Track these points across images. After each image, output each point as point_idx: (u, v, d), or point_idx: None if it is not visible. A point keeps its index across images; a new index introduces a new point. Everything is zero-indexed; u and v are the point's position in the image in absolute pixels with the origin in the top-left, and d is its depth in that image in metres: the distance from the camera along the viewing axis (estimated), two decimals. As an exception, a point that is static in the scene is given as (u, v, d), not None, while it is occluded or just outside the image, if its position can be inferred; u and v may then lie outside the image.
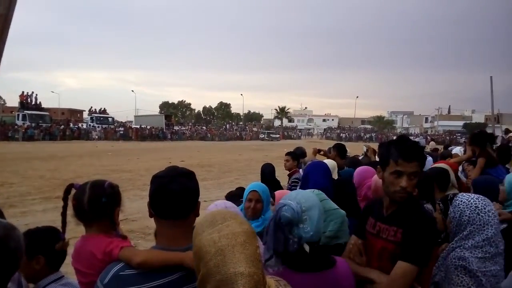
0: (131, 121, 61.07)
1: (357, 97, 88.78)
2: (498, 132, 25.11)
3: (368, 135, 68.27)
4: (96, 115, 49.69)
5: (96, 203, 1.67)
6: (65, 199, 1.74)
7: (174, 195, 1.43)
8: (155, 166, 18.36)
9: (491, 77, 13.16)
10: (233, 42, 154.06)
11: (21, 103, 42.76)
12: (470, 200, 1.95)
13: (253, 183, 2.88)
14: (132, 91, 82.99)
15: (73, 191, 1.76)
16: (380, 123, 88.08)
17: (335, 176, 3.58)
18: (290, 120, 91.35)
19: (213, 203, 2.19)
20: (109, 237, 1.66)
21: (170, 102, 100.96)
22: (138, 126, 50.33)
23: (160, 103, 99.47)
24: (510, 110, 71.03)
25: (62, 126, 42.23)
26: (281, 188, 4.51)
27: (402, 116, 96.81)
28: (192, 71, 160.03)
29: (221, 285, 1.07)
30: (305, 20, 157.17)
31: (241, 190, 4.92)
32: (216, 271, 1.09)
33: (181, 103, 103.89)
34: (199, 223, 1.23)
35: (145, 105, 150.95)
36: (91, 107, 53.00)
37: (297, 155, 5.27)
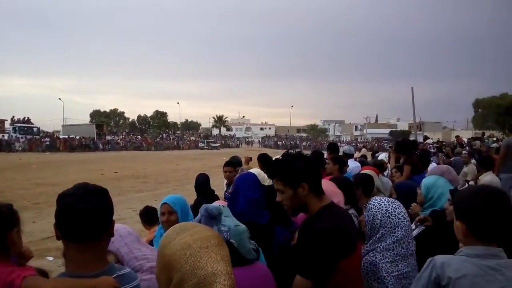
0: (59, 131, 57.30)
1: (292, 106, 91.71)
2: (421, 139, 27.31)
3: (304, 143, 70.50)
4: (19, 125, 45.86)
5: None
6: None
7: (83, 215, 1.30)
8: (86, 179, 17.20)
9: (412, 88, 14.33)
10: (170, 49, 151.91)
11: None
12: (381, 204, 2.05)
13: (167, 196, 2.85)
14: (59, 99, 77.65)
15: None
16: (314, 131, 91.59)
17: (266, 183, 3.67)
18: (228, 129, 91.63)
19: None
20: (8, 265, 1.49)
21: (102, 110, 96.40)
22: (66, 136, 47.37)
23: (91, 111, 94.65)
24: (431, 118, 77.73)
25: (-20, 137, 38.58)
26: (216, 198, 4.51)
27: (334, 124, 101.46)
28: (126, 78, 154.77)
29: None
30: (243, 29, 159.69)
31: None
32: (192, 273, 1.07)
33: (113, 111, 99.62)
34: (165, 236, 1.22)
35: (74, 114, 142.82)
36: (13, 116, 48.96)
37: (235, 164, 5.33)
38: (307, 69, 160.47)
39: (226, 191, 4.90)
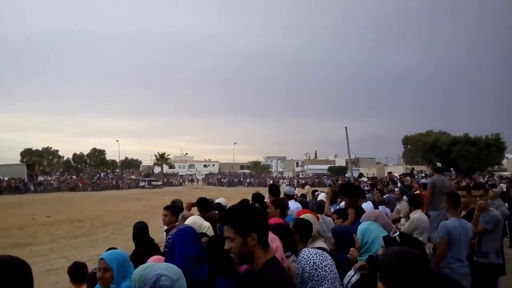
0: (-16, 172, 52.62)
1: (235, 143, 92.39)
2: (356, 174, 28.71)
3: (248, 180, 70.77)
4: None
5: None
6: None
7: None
8: (15, 225, 16.12)
9: (345, 127, 15.23)
10: (108, 85, 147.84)
11: None
12: (309, 256, 2.15)
13: (105, 251, 2.80)
14: (-14, 137, 71.89)
15: None
16: (258, 168, 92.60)
17: (210, 232, 3.70)
18: (171, 167, 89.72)
19: None
20: None
21: (33, 149, 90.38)
22: (-8, 178, 43.60)
23: (22, 150, 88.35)
24: (365, 154, 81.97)
25: None
26: (156, 248, 4.40)
27: (277, 161, 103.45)
28: (60, 115, 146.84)
29: None
30: (184, 65, 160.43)
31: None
32: None
33: (47, 150, 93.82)
34: None
35: (3, 152, 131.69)
36: None
37: (175, 209, 5.25)
38: (250, 107, 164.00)
39: (166, 239, 4.70)
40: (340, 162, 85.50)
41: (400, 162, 72.87)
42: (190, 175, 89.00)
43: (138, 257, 3.91)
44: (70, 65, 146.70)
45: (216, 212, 5.85)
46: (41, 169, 63.80)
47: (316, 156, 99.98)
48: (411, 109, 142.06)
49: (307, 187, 19.49)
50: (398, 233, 2.72)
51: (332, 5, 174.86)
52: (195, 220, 3.75)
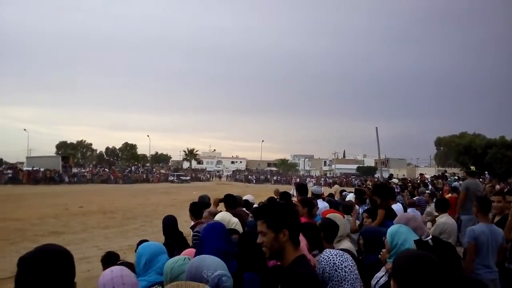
0: (23, 163, 55.09)
1: (263, 140, 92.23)
2: (386, 175, 28.16)
3: (275, 178, 70.75)
4: (-22, 155, 43.98)
5: None
6: None
7: (41, 279, 1.29)
8: (50, 214, 16.80)
9: (376, 127, 14.96)
10: (140, 82, 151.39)
11: None
12: (330, 257, 2.13)
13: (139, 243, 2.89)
14: (25, 129, 75.25)
15: None
16: (285, 165, 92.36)
17: (239, 228, 3.73)
18: (199, 162, 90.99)
19: (108, 269, 2.04)
20: None
21: (68, 142, 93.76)
22: (30, 168, 45.59)
23: (57, 143, 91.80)
24: (396, 155, 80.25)
25: None
26: (185, 241, 4.50)
27: (304, 159, 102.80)
28: (94, 109, 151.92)
29: None
30: (217, 65, 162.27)
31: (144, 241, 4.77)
32: None
33: (80, 143, 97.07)
34: None
35: (40, 145, 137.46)
36: (-27, 146, 46.89)
37: (196, 210, 5.15)
38: (279, 105, 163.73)
39: (192, 235, 4.73)
40: (369, 162, 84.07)
41: (432, 164, 70.88)
42: (218, 171, 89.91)
43: (168, 250, 4.02)
44: (106, 61, 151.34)
45: (243, 209, 5.90)
46: (75, 162, 66.02)
47: (344, 156, 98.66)
48: (445, 110, 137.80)
49: (336, 186, 19.31)
50: (430, 236, 2.67)
51: (360, 5, 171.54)
52: (223, 216, 3.79)
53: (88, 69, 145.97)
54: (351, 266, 2.15)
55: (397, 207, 6.50)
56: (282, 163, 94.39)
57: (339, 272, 2.08)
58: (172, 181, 59.55)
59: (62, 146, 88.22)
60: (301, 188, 6.05)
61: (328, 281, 2.08)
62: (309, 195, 6.18)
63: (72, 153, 74.90)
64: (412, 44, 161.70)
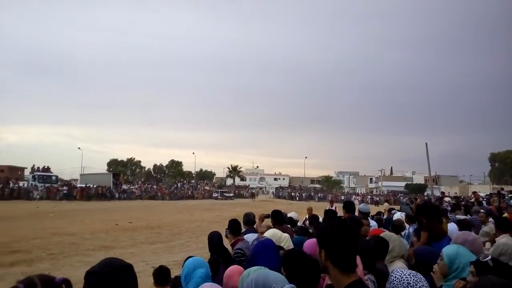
0: (76, 180, 58.17)
1: (306, 157, 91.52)
2: (437, 193, 26.86)
3: (319, 195, 69.65)
4: (38, 173, 46.92)
5: None
6: None
7: None
8: (101, 229, 17.52)
9: (426, 143, 14.37)
10: (185, 100, 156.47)
11: (-46, 159, 39.72)
12: (402, 277, 2.06)
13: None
14: (79, 148, 79.65)
15: None
16: (329, 182, 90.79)
17: (287, 245, 3.69)
18: (242, 179, 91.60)
19: (201, 286, 2.17)
20: None
21: (118, 159, 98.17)
22: (83, 185, 48.01)
23: (108, 160, 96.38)
24: (447, 172, 76.51)
25: (1, 185, 39.39)
26: (229, 256, 4.51)
27: (349, 176, 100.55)
28: (142, 128, 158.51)
29: None
30: (259, 80, 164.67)
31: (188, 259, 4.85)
32: None
33: (130, 160, 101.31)
34: None
35: (92, 162, 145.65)
36: (34, 165, 50.21)
37: (235, 227, 5.10)
38: (322, 121, 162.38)
39: (233, 253, 4.71)
40: (418, 179, 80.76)
41: (486, 181, 66.81)
42: (260, 188, 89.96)
43: (214, 266, 4.05)
44: (153, 81, 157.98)
45: (289, 226, 5.84)
46: (125, 178, 68.80)
47: (391, 172, 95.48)
48: (498, 124, 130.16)
49: (385, 204, 18.69)
50: (490, 257, 2.51)
51: (404, 15, 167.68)
52: (274, 232, 3.76)
53: (137, 89, 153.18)
54: (426, 287, 2.05)
55: (451, 226, 6.21)
56: (326, 180, 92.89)
57: None
58: (216, 198, 60.33)
59: (113, 164, 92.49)
60: (348, 205, 5.90)
61: None
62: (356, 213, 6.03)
63: (122, 170, 78.30)
64: (463, 57, 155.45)
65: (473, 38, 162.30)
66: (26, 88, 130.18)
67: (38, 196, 40.64)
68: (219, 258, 4.30)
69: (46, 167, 49.99)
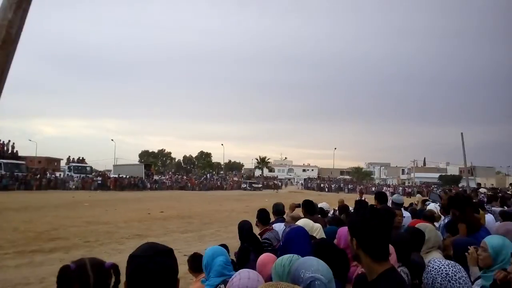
0: (110, 170, 60.06)
1: (335, 148, 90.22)
2: (473, 185, 25.91)
3: (349, 186, 68.79)
4: (74, 164, 48.75)
5: (103, 286, 1.59)
6: (62, 285, 1.55)
7: (154, 275, 1.37)
8: (134, 218, 17.97)
9: (461, 133, 13.77)
10: (213, 92, 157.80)
11: (-3, 151, 41.77)
12: (441, 267, 1.99)
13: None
14: (112, 140, 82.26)
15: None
16: (359, 174, 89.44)
17: (319, 235, 3.64)
18: (271, 170, 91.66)
19: (236, 273, 2.16)
20: None
21: (150, 151, 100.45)
22: (116, 176, 49.49)
23: (140, 152, 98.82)
24: (483, 163, 73.66)
25: (38, 176, 41.18)
26: (260, 244, 4.51)
27: (380, 167, 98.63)
28: (173, 120, 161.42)
29: None
30: (287, 73, 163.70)
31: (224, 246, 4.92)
32: None
33: (161, 152, 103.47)
34: None
35: (125, 154, 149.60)
36: (69, 156, 52.16)
37: (264, 217, 5.12)
38: (351, 111, 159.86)
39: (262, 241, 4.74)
40: (453, 170, 78.22)
41: (527, 172, 63.90)
42: (289, 179, 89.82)
43: (244, 254, 4.06)
44: (183, 75, 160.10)
45: (319, 216, 5.76)
46: (156, 169, 70.39)
47: (424, 164, 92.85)
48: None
49: (418, 195, 18.25)
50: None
51: (442, 6, 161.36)
52: (306, 222, 3.71)
53: (167, 83, 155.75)
54: (465, 277, 1.98)
55: (488, 217, 6.02)
56: (356, 171, 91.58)
57: (453, 284, 1.92)
58: (244, 189, 60.75)
59: (145, 155, 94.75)
60: (380, 196, 5.76)
61: None
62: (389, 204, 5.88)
63: (153, 161, 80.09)
64: (499, 43, 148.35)
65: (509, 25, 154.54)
66: (63, 83, 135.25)
67: (73, 186, 42.30)
68: (250, 246, 4.31)
69: (81, 158, 51.83)
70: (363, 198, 12.66)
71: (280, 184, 65.99)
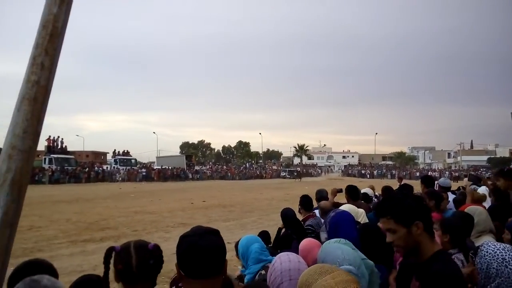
0: (153, 162, 62.03)
1: (376, 133, 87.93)
2: (526, 167, 24.44)
3: (393, 172, 67.00)
4: (119, 157, 50.75)
5: (145, 265, 1.69)
6: (107, 263, 1.71)
7: (206, 252, 1.41)
8: (178, 207, 18.50)
9: (511, 113, 13.00)
10: (250, 82, 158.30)
11: (47, 147, 44.09)
12: (496, 251, 1.88)
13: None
14: (154, 132, 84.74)
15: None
16: (402, 159, 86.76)
17: (363, 221, 3.58)
18: (310, 158, 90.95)
19: (276, 257, 2.16)
20: None
21: (190, 142, 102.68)
22: (160, 167, 51.05)
23: (181, 143, 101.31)
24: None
25: (87, 169, 43.24)
26: (304, 230, 4.51)
27: (424, 151, 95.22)
28: (211, 111, 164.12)
29: None
30: (324, 58, 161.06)
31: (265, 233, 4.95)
32: None
33: (201, 143, 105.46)
34: (307, 275, 1.36)
35: (166, 145, 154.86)
36: (115, 149, 54.32)
37: (307, 203, 5.12)
38: (390, 95, 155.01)
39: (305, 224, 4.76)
40: (502, 152, 74.26)
41: None
42: (328, 166, 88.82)
43: (288, 240, 4.07)
44: (219, 66, 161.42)
45: (363, 202, 5.66)
46: (196, 160, 71.86)
47: (472, 146, 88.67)
48: None
49: (465, 179, 17.38)
50: None
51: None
52: (351, 207, 3.66)
53: (204, 75, 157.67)
54: None
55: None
56: (399, 156, 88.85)
57: (510, 269, 1.80)
58: (283, 177, 60.72)
59: (185, 146, 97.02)
60: (427, 179, 5.55)
61: (496, 277, 1.82)
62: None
63: (194, 152, 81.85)
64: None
65: None
66: (105, 79, 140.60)
67: (120, 178, 44.10)
68: (293, 233, 4.32)
69: (126, 151, 53.82)
70: (402, 184, 12.32)
71: (298, 172, 63.24)
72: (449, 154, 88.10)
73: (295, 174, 60.85)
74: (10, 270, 1.45)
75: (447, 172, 59.61)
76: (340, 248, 1.87)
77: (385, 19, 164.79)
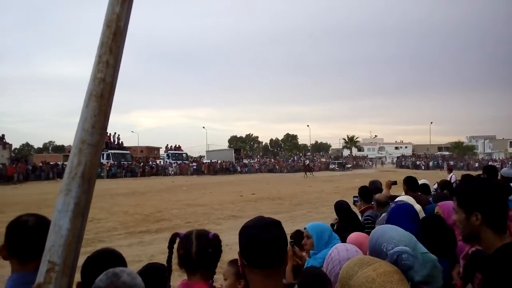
0: (203, 156, 63.61)
1: (431, 122, 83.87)
2: None
3: (450, 162, 63.76)
4: (171, 151, 52.61)
5: (204, 253, 1.77)
6: (170, 248, 1.82)
7: (268, 245, 1.44)
8: (228, 200, 18.85)
9: None
10: (297, 73, 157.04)
11: (105, 143, 46.63)
12: None
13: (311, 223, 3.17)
14: (203, 127, 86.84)
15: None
16: (460, 149, 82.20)
17: (422, 215, 3.44)
18: (360, 149, 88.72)
19: (333, 247, 2.18)
20: (209, 285, 1.78)
21: (238, 136, 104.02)
22: (209, 161, 52.26)
23: (229, 137, 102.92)
24: None
25: (142, 163, 45.20)
26: (359, 222, 4.42)
27: (483, 140, 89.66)
28: (258, 104, 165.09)
29: None
30: (371, 47, 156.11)
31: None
32: None
33: (248, 136, 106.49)
34: (348, 267, 1.35)
35: (215, 140, 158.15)
36: (167, 144, 56.26)
37: (366, 194, 5.03)
38: (447, 82, 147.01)
39: (362, 220, 4.68)
40: None
41: None
42: (380, 158, 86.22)
43: (342, 233, 4.01)
44: (266, 60, 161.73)
45: (420, 193, 5.44)
46: (245, 153, 72.72)
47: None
48: None
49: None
50: None
51: None
52: (410, 199, 3.54)
53: (251, 69, 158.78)
54: None
55: None
56: (457, 146, 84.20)
57: None
58: (333, 169, 59.83)
59: (233, 140, 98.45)
60: (489, 169, 5.22)
61: None
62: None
63: (242, 146, 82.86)
64: None
65: None
66: (157, 76, 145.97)
67: (172, 172, 45.68)
68: (348, 226, 4.26)
69: (177, 146, 55.61)
70: (451, 176, 11.75)
71: (308, 165, 59.94)
72: (511, 143, 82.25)
73: (305, 167, 47.87)
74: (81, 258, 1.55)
75: (510, 162, 55.67)
76: (395, 229, 1.81)
77: (438, 3, 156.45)
